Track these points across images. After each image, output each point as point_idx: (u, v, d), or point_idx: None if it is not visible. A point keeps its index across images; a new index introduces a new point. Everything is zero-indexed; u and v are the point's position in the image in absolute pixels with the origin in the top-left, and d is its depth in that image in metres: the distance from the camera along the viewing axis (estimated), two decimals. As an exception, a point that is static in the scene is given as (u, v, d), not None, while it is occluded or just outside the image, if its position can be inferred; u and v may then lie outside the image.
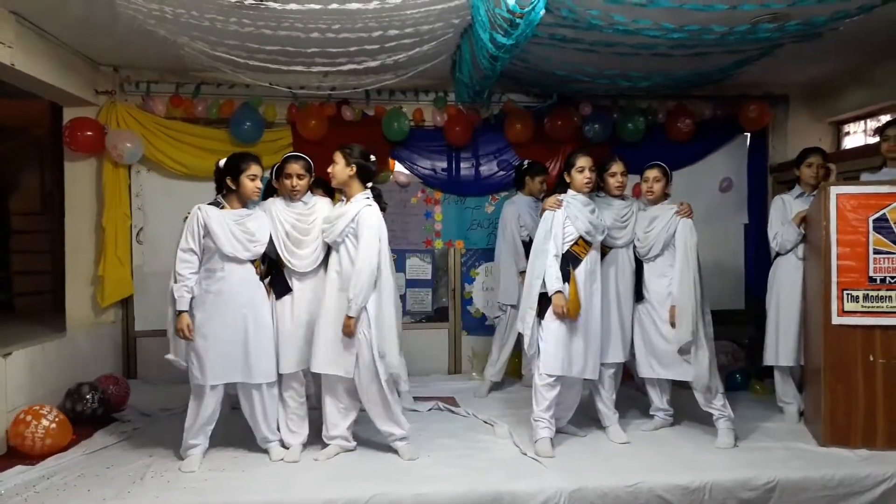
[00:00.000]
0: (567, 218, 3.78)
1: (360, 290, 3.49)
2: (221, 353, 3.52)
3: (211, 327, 3.52)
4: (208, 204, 3.58)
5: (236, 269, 3.55)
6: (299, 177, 3.71)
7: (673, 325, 3.92)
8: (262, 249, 3.61)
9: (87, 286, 5.38)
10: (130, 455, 3.71)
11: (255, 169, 3.58)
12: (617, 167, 4.04)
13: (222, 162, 3.64)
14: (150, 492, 3.24)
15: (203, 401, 3.56)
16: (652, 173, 4.08)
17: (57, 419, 3.85)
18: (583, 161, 3.85)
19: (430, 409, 4.60)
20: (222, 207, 3.59)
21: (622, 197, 4.15)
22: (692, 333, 3.82)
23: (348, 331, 3.52)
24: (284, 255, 3.70)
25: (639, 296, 4.09)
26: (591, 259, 3.84)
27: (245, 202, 3.66)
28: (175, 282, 3.50)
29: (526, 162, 5.24)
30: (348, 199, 3.67)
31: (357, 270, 3.51)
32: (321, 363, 3.61)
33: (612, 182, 4.04)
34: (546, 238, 3.78)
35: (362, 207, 3.58)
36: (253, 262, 3.61)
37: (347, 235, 3.59)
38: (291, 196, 3.77)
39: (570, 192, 3.89)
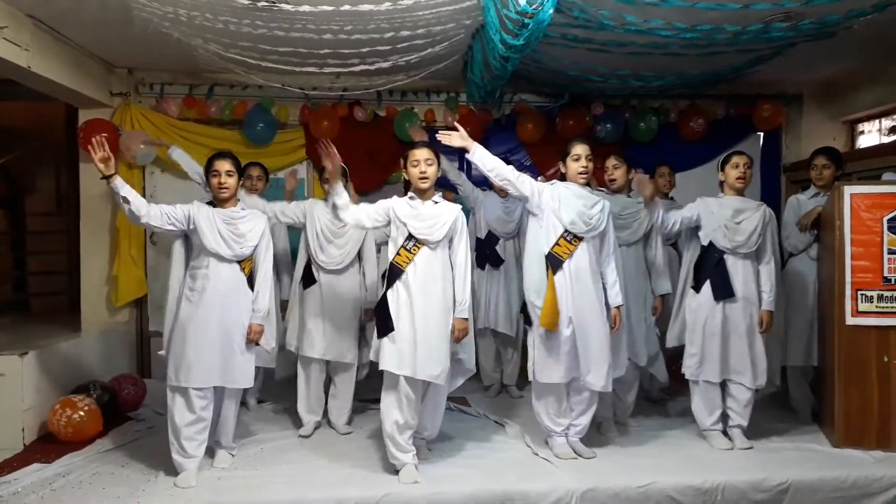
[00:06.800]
0: (553, 200, 3.54)
1: (469, 292, 3.44)
2: (200, 355, 3.34)
3: (193, 327, 3.36)
4: (204, 203, 3.53)
5: (222, 268, 3.43)
6: None
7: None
8: (248, 252, 3.48)
9: (102, 286, 5.44)
10: (145, 453, 3.73)
11: (216, 164, 3.47)
12: (579, 149, 3.61)
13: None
14: (164, 490, 3.27)
15: (176, 403, 3.36)
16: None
17: (89, 407, 4.00)
18: (578, 149, 3.58)
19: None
20: (214, 206, 3.51)
21: (624, 193, 4.08)
22: None
23: (464, 334, 3.43)
24: (314, 250, 4.05)
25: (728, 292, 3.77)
26: (578, 258, 3.54)
27: (233, 200, 3.52)
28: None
29: None
30: (424, 199, 3.46)
31: (464, 272, 3.43)
32: (431, 369, 3.35)
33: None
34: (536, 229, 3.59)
35: (458, 211, 3.47)
36: (241, 262, 3.49)
37: (450, 237, 3.46)
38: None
39: (566, 181, 3.66)
